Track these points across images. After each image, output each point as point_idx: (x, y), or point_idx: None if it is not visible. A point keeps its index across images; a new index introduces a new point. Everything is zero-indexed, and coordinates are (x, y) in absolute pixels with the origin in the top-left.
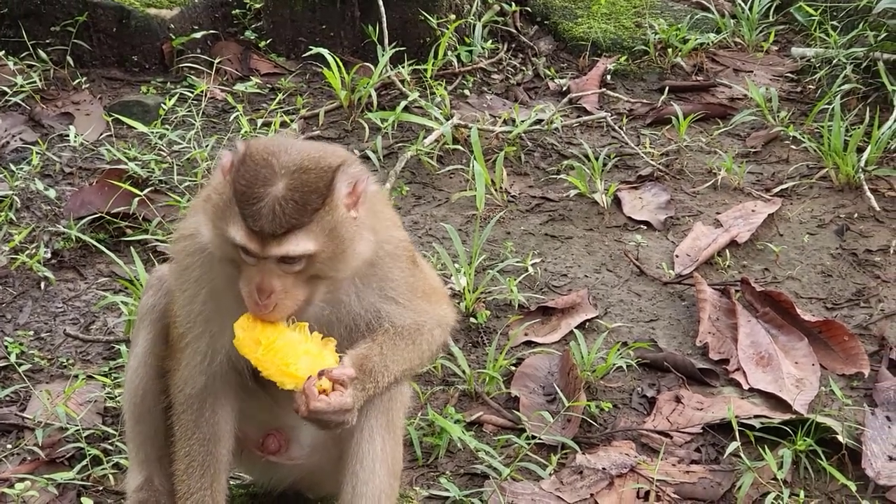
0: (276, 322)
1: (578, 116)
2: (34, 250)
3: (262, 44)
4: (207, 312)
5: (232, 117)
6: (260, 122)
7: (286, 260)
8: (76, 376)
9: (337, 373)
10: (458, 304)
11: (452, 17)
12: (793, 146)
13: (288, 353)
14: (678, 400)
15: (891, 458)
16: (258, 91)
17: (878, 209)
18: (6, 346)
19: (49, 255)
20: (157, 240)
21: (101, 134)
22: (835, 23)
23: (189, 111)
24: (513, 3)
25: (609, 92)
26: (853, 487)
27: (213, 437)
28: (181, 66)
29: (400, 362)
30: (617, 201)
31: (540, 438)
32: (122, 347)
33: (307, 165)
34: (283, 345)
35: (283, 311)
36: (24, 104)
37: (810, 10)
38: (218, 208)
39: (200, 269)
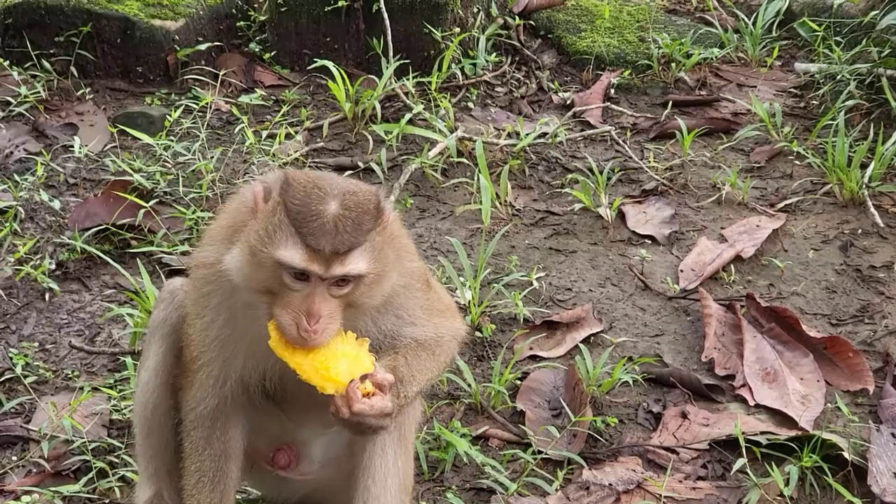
0: (315, 346)
1: (582, 130)
2: (39, 261)
3: (267, 56)
4: (223, 338)
5: (237, 129)
6: (265, 133)
7: (342, 281)
8: (81, 388)
9: (380, 377)
10: (464, 317)
11: (457, 30)
12: (797, 161)
13: (327, 356)
14: (684, 416)
15: None
16: (263, 103)
17: (882, 225)
18: (11, 358)
19: (54, 267)
20: (163, 251)
21: (106, 145)
22: (838, 38)
23: (194, 123)
24: (517, 17)
25: (613, 106)
26: None
27: (224, 453)
28: (186, 77)
29: (424, 372)
30: (621, 215)
31: (546, 453)
32: (128, 359)
33: (352, 189)
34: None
35: (327, 336)
36: (28, 114)
37: (814, 26)
38: (262, 233)
39: (220, 296)
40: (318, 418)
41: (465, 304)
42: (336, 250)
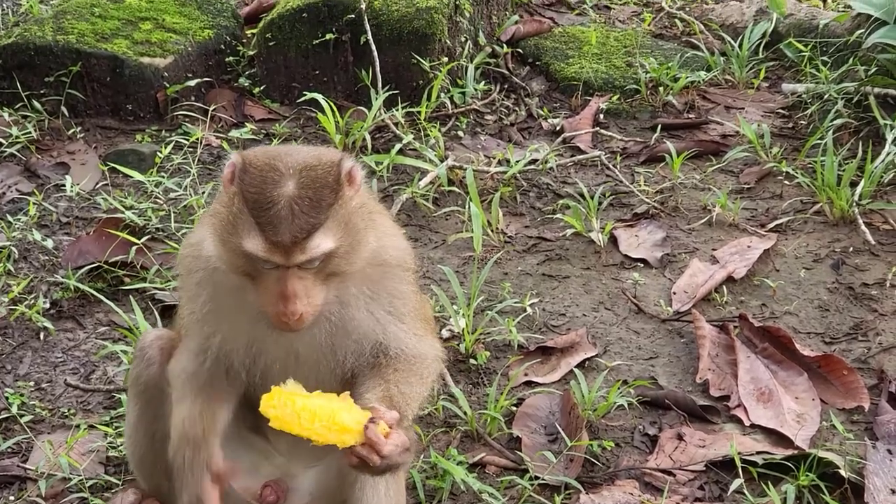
0: (300, 329)
1: (572, 156)
2: (33, 301)
3: (256, 90)
4: (204, 314)
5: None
6: None
7: (308, 263)
8: (78, 426)
9: (389, 416)
10: (458, 345)
11: (445, 59)
12: (786, 182)
13: (328, 414)
14: (680, 437)
15: (893, 492)
16: (253, 137)
17: (873, 243)
18: (7, 398)
19: (48, 306)
20: (156, 287)
21: (98, 183)
22: (825, 58)
23: (185, 159)
24: (504, 45)
25: (602, 131)
26: None
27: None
28: (176, 113)
29: (415, 397)
30: (613, 240)
31: (543, 479)
32: (123, 396)
33: (311, 163)
34: (317, 406)
35: (308, 317)
36: (19, 155)
37: (800, 47)
38: (227, 222)
39: (203, 274)
40: (308, 450)
41: (459, 332)
42: (294, 238)
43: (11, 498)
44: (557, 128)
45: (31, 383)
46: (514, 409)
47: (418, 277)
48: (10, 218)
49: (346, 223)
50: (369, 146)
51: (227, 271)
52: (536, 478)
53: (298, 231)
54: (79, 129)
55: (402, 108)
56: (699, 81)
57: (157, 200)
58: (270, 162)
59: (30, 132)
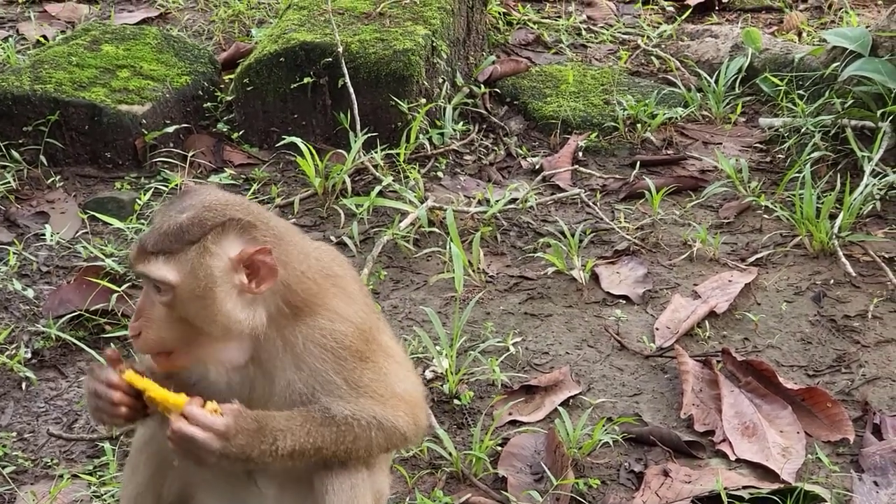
0: (139, 349)
1: (552, 194)
2: (14, 351)
3: (235, 135)
4: None
5: None
6: None
7: (154, 284)
8: (61, 476)
9: (228, 407)
10: (441, 386)
11: (423, 101)
12: (765, 215)
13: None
14: (666, 473)
15: None
16: (233, 182)
17: (853, 274)
18: None
19: (29, 355)
20: None
21: (77, 231)
22: (801, 92)
23: None
24: (482, 86)
25: (581, 168)
26: None
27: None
28: (155, 160)
29: (313, 437)
30: (595, 277)
31: None
32: (107, 445)
33: (213, 205)
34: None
35: (146, 341)
36: None
37: (776, 81)
38: None
39: None
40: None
41: (442, 373)
42: (144, 247)
43: None
44: (537, 166)
45: (14, 434)
46: (499, 448)
47: (402, 319)
48: None
49: (201, 269)
50: (349, 189)
51: None
52: None
53: (151, 244)
54: (58, 177)
55: (382, 150)
56: (677, 118)
57: None
58: (189, 192)
59: (8, 182)
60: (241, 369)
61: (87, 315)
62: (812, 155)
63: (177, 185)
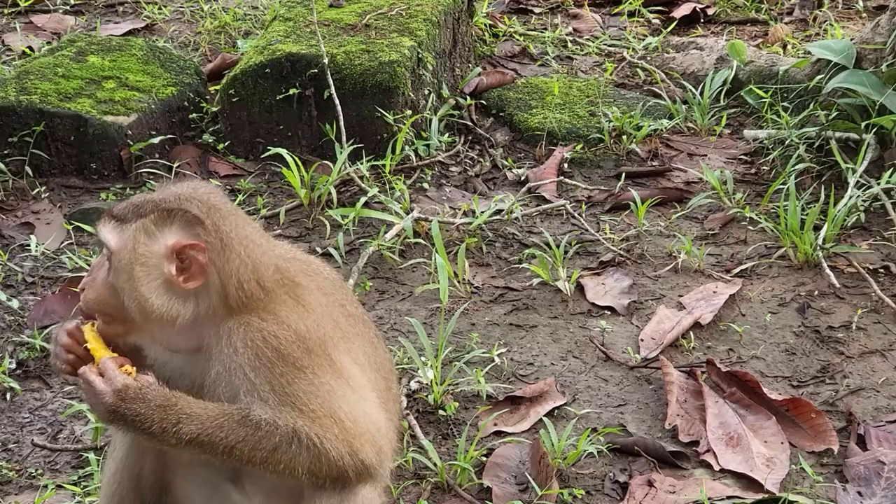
0: (85, 309)
1: (538, 205)
2: None
3: (221, 146)
4: None
5: None
6: None
7: (99, 239)
8: (45, 486)
9: (143, 378)
10: (427, 396)
11: (409, 112)
12: (750, 227)
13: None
14: (650, 484)
15: None
16: None
17: (838, 286)
18: None
19: (14, 366)
20: None
21: (63, 242)
22: (786, 104)
23: None
24: (468, 97)
25: (567, 180)
26: None
27: None
28: (140, 171)
29: (226, 432)
30: (580, 288)
31: None
32: (91, 455)
33: (181, 194)
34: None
35: (86, 296)
36: None
37: (761, 93)
38: None
39: None
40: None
41: (427, 384)
42: (111, 210)
43: None
44: (522, 178)
45: None
46: (484, 459)
47: (387, 330)
48: None
49: (137, 244)
50: (335, 200)
51: None
52: None
53: (117, 208)
54: (43, 188)
55: (367, 161)
56: (662, 129)
57: None
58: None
59: None
60: (191, 357)
61: None
62: (796, 167)
63: None
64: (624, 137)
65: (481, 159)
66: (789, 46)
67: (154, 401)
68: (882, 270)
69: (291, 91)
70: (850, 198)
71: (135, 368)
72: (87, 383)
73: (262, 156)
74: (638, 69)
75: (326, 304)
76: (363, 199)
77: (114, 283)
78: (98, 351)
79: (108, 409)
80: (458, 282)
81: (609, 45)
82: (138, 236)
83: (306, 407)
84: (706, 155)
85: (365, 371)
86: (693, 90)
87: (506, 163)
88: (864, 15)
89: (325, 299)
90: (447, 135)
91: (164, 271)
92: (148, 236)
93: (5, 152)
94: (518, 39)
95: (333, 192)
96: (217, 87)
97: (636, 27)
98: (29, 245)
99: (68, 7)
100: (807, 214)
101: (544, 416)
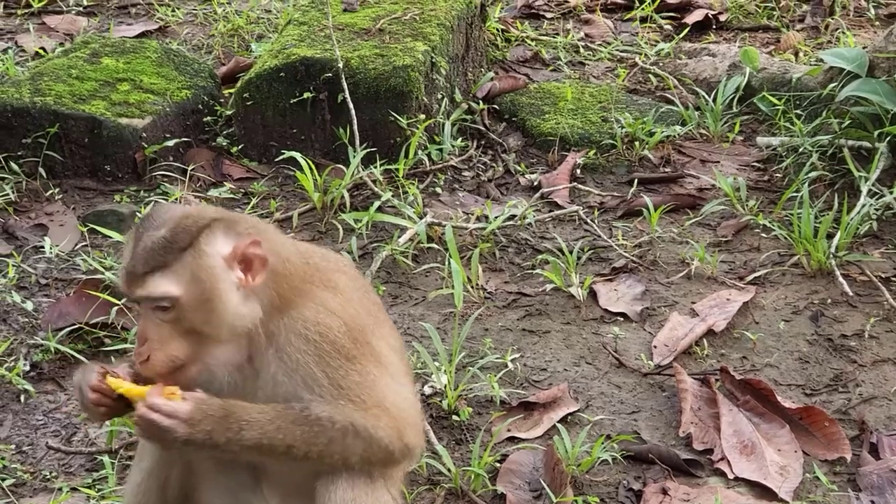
0: (150, 373)
1: (550, 211)
2: (13, 363)
3: (235, 149)
4: None
5: None
6: None
7: (155, 304)
8: (60, 489)
9: (191, 394)
10: (440, 402)
11: (422, 116)
12: (763, 234)
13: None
14: (665, 492)
15: None
16: (231, 196)
17: (851, 294)
18: None
19: (28, 368)
20: None
21: (77, 244)
22: (798, 111)
23: None
24: (480, 102)
25: (579, 186)
26: None
27: None
28: (154, 174)
29: (283, 433)
30: (593, 294)
31: None
32: (105, 458)
33: (191, 214)
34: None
35: (156, 363)
36: None
37: (774, 100)
38: None
39: None
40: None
41: (441, 389)
42: (135, 270)
43: None
44: (535, 183)
45: (12, 446)
46: (497, 465)
47: (401, 334)
48: None
49: (198, 274)
50: (348, 204)
51: None
52: None
53: (141, 264)
54: (57, 190)
55: (380, 165)
56: (674, 136)
57: None
58: (158, 210)
59: (7, 194)
60: (240, 368)
61: (87, 328)
62: (809, 174)
63: (176, 199)
64: (636, 143)
65: (494, 164)
66: (801, 54)
67: (216, 414)
68: (894, 279)
69: (305, 95)
70: (863, 206)
71: (177, 387)
72: (151, 424)
73: (276, 159)
74: (650, 75)
75: (357, 290)
76: (376, 204)
77: (189, 326)
78: (132, 391)
79: (182, 440)
80: (472, 287)
81: (621, 51)
82: (201, 263)
83: (359, 398)
84: (719, 162)
85: (397, 355)
86: (706, 96)
87: (518, 168)
88: (877, 23)
89: (354, 284)
90: (460, 139)
91: (235, 279)
92: (208, 257)
93: (19, 153)
94: (530, 44)
95: (346, 195)
96: (231, 91)
97: (648, 33)
98: (43, 247)
99: (81, 8)
100: (820, 222)
101: (558, 422)
